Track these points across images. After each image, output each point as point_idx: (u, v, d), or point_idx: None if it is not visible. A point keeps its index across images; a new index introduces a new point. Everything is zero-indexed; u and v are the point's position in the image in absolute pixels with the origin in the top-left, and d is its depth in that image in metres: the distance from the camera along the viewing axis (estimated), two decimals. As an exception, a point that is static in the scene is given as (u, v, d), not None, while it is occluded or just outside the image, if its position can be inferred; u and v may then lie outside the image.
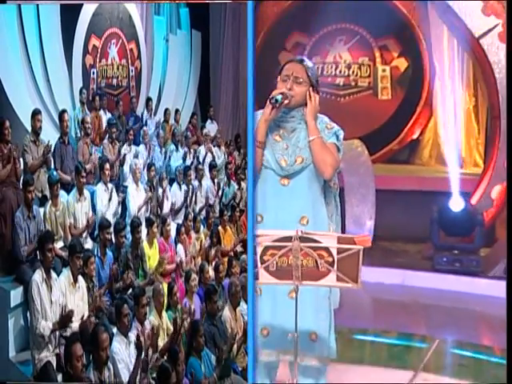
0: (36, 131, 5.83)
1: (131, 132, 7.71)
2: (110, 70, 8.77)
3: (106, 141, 7.27)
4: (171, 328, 4.60)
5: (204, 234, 6.69)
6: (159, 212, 6.90)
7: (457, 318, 6.25)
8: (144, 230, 5.87)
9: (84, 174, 5.79)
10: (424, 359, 5.06)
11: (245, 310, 5.05)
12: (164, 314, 4.87)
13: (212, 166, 8.13)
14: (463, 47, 9.21)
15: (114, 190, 6.28)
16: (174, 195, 7.28)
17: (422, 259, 8.01)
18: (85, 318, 4.41)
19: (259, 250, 2.88)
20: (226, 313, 5.01)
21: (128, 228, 5.71)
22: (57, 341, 4.38)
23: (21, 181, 5.24)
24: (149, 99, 9.14)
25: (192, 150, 8.66)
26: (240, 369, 4.64)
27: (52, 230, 5.16)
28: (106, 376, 3.91)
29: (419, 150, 10.54)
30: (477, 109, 10.07)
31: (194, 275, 5.32)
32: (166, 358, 4.24)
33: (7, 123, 5.24)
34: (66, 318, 4.27)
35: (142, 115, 8.95)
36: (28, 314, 4.50)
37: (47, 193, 5.60)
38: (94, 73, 8.35)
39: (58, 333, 4.36)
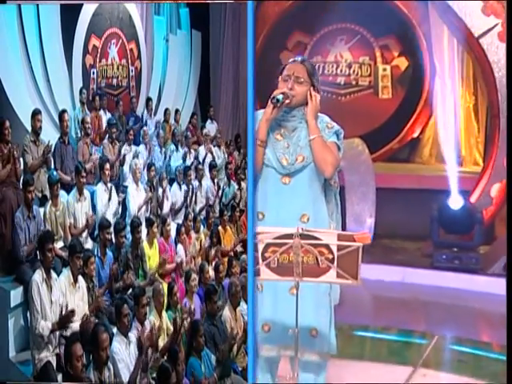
0: (36, 131, 5.83)
1: (131, 132, 7.69)
2: (110, 70, 8.75)
3: (105, 141, 7.25)
4: (171, 328, 4.59)
5: (204, 234, 6.68)
6: (159, 212, 6.89)
7: (456, 314, 6.27)
8: (144, 230, 5.87)
9: (84, 174, 5.78)
10: (423, 355, 5.08)
11: (245, 309, 5.04)
12: (164, 313, 4.86)
13: (212, 166, 8.11)
14: (463, 47, 9.21)
15: (114, 190, 6.28)
16: (174, 195, 7.27)
17: (421, 257, 8.01)
18: (85, 318, 4.40)
19: (261, 247, 2.91)
20: (226, 313, 5.00)
21: (128, 228, 5.70)
22: (57, 341, 4.37)
23: (21, 181, 5.23)
24: (149, 99, 9.13)
25: (192, 150, 8.64)
26: (240, 369, 4.65)
27: (52, 230, 5.15)
28: (106, 376, 3.91)
29: (419, 148, 10.53)
30: (476, 107, 10.09)
31: (194, 275, 5.32)
32: (166, 357, 4.24)
33: (7, 123, 5.23)
34: (65, 318, 4.27)
35: (142, 115, 8.94)
36: (28, 314, 4.49)
37: (47, 193, 5.60)
38: (93, 73, 8.33)
39: (58, 333, 4.35)
